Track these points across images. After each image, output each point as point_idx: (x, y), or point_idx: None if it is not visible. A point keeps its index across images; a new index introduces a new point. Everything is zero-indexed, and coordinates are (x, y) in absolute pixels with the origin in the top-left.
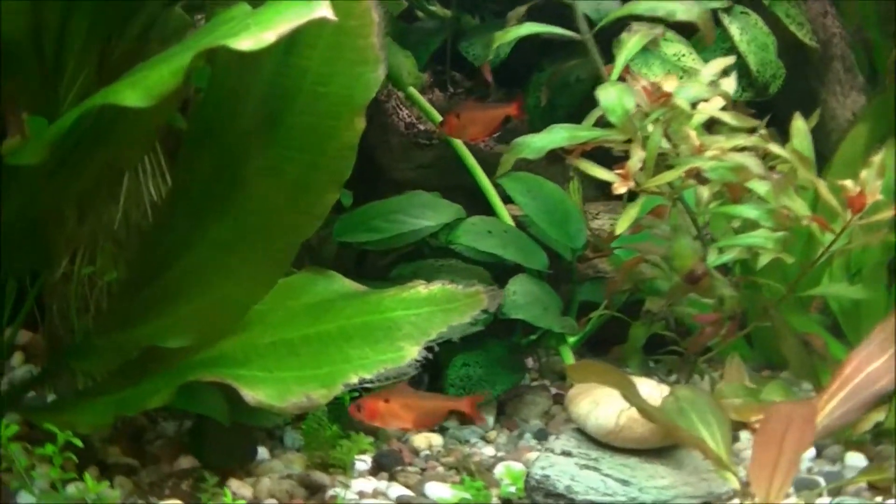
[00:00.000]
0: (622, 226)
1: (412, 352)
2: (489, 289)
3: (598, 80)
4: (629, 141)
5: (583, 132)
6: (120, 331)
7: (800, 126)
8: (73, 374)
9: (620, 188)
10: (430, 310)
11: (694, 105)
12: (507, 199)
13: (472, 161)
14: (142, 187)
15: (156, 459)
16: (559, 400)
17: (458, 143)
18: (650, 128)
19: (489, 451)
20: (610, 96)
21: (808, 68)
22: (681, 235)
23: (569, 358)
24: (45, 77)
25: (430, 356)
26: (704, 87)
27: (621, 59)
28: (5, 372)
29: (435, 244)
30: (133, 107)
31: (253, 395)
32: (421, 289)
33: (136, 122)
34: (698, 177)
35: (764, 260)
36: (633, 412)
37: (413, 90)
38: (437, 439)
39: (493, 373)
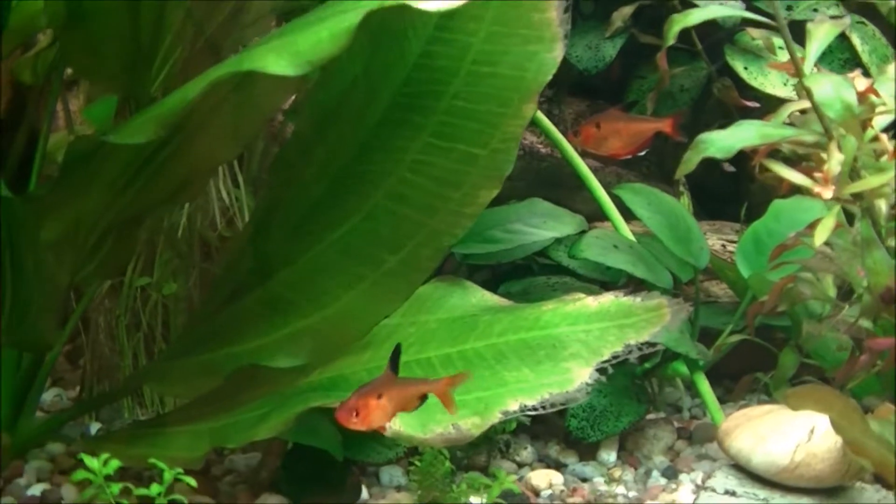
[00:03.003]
0: (820, 237)
1: (582, 374)
2: (673, 301)
3: (704, 89)
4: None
5: (773, 130)
6: (209, 350)
7: None
8: (118, 401)
9: (825, 193)
10: (602, 326)
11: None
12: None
13: (586, 170)
14: (210, 190)
15: (232, 498)
16: (683, 434)
17: (571, 151)
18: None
19: (619, 490)
20: (825, 89)
21: None
22: (875, 249)
23: (704, 388)
24: (138, 53)
25: (604, 379)
26: None
27: (813, 49)
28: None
29: (542, 261)
30: (277, 75)
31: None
32: (589, 301)
33: (250, 102)
34: None
35: None
36: (812, 447)
37: None
38: (556, 477)
39: (617, 403)
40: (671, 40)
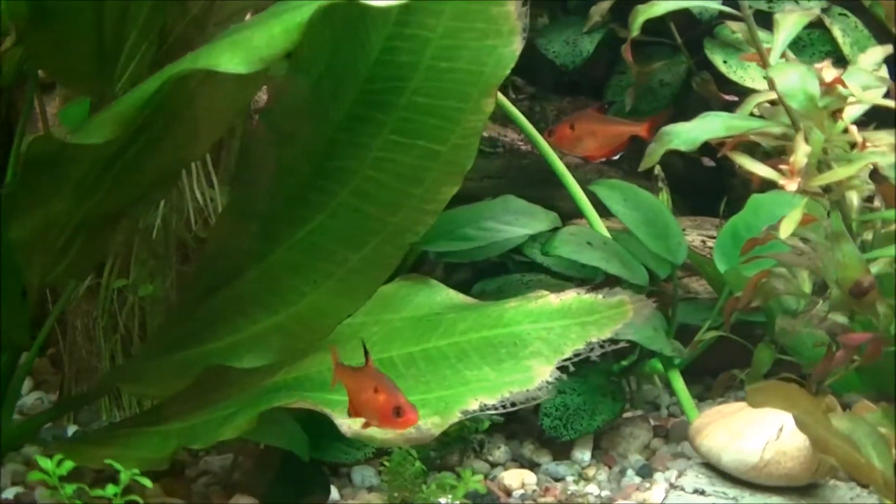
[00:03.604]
0: (786, 230)
1: (543, 372)
2: (636, 297)
3: (684, 84)
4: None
5: (739, 122)
6: (181, 350)
7: None
8: (96, 403)
9: (789, 186)
10: (564, 323)
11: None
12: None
13: (562, 168)
14: (185, 190)
15: (205, 499)
16: (659, 433)
17: (547, 148)
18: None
19: (591, 489)
20: (789, 79)
21: None
22: (844, 243)
23: (679, 385)
24: (102, 51)
25: (565, 377)
26: (871, 74)
27: (780, 39)
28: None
29: (518, 258)
30: (230, 73)
31: (349, 424)
32: (551, 299)
33: (216, 99)
34: (874, 175)
35: None
36: (782, 445)
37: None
38: (529, 477)
39: (592, 401)
40: (636, 31)
